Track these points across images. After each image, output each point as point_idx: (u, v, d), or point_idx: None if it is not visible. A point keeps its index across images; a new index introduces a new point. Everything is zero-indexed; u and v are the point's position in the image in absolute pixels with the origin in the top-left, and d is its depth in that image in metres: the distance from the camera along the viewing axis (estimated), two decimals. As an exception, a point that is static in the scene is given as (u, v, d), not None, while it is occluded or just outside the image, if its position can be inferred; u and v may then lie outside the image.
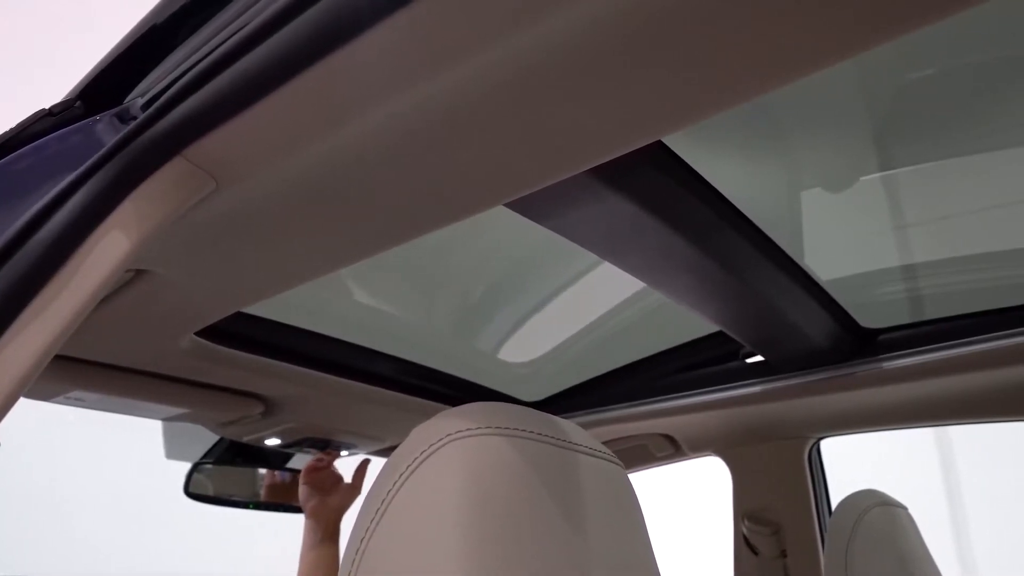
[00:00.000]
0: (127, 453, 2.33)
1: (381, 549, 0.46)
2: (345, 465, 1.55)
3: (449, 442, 0.48)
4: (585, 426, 0.79)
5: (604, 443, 0.61)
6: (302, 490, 1.47)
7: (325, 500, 1.45)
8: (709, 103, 0.51)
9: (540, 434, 0.52)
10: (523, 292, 1.30)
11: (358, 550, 0.46)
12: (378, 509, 0.47)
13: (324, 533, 1.43)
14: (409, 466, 0.48)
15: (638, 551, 0.57)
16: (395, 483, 0.47)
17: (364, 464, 1.54)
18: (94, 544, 2.45)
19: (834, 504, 1.44)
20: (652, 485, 1.37)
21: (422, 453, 0.48)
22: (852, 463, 1.83)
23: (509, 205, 0.72)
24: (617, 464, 0.59)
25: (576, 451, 0.55)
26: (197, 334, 0.97)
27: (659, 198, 0.78)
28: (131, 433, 1.52)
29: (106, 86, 0.63)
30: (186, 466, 1.53)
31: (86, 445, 2.42)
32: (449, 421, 0.50)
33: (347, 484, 1.50)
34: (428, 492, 0.46)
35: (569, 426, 0.57)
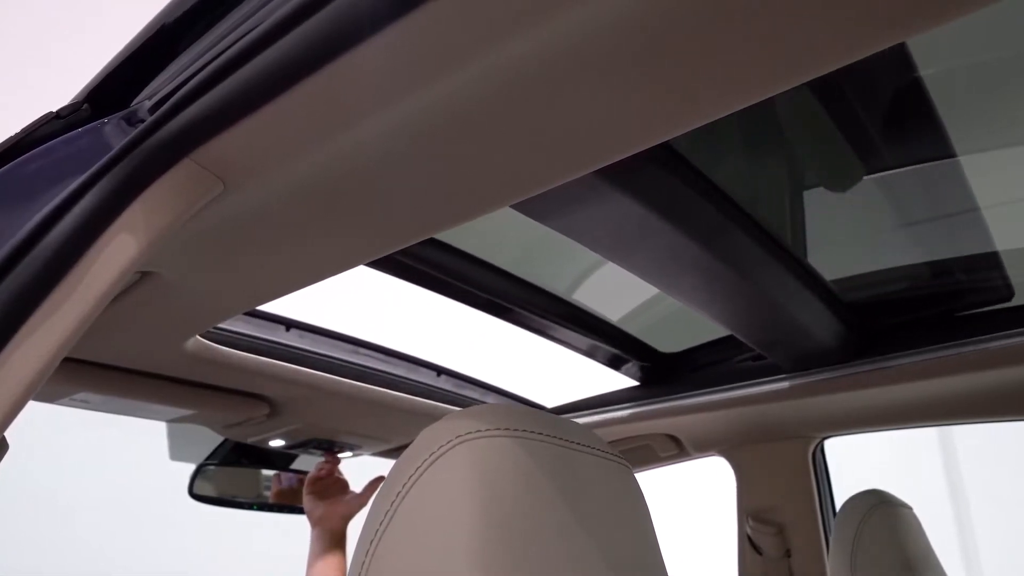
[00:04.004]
0: (129, 454, 2.33)
1: (391, 551, 0.46)
2: (349, 466, 1.55)
3: (458, 444, 0.48)
4: (589, 427, 0.79)
5: (608, 443, 0.61)
6: (306, 500, 1.45)
7: (330, 509, 1.43)
8: (715, 105, 0.51)
9: (548, 435, 0.52)
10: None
11: (368, 552, 0.46)
12: (387, 511, 0.47)
13: (330, 542, 1.41)
14: (418, 468, 0.48)
15: (646, 551, 0.57)
16: (404, 485, 0.47)
17: (378, 480, 1.51)
18: (97, 546, 2.46)
19: (838, 504, 1.45)
20: (657, 485, 1.37)
21: (431, 455, 0.48)
22: (855, 463, 1.83)
23: (515, 205, 0.72)
24: (625, 465, 0.59)
25: (584, 452, 0.55)
26: (202, 336, 0.97)
27: (667, 199, 0.77)
28: (134, 435, 1.52)
29: (113, 89, 0.64)
30: (190, 467, 1.53)
31: (88, 446, 2.42)
32: (458, 423, 0.50)
33: (354, 493, 1.48)
34: (438, 494, 0.46)
35: (577, 427, 0.57)
